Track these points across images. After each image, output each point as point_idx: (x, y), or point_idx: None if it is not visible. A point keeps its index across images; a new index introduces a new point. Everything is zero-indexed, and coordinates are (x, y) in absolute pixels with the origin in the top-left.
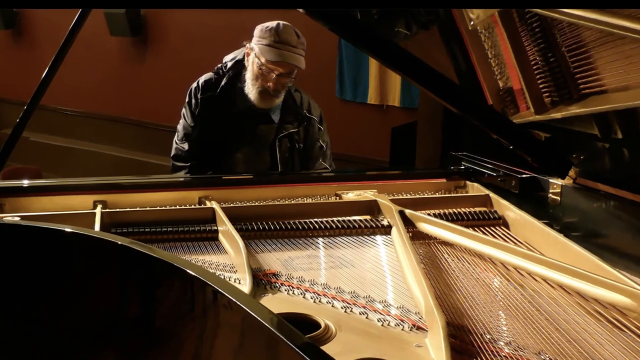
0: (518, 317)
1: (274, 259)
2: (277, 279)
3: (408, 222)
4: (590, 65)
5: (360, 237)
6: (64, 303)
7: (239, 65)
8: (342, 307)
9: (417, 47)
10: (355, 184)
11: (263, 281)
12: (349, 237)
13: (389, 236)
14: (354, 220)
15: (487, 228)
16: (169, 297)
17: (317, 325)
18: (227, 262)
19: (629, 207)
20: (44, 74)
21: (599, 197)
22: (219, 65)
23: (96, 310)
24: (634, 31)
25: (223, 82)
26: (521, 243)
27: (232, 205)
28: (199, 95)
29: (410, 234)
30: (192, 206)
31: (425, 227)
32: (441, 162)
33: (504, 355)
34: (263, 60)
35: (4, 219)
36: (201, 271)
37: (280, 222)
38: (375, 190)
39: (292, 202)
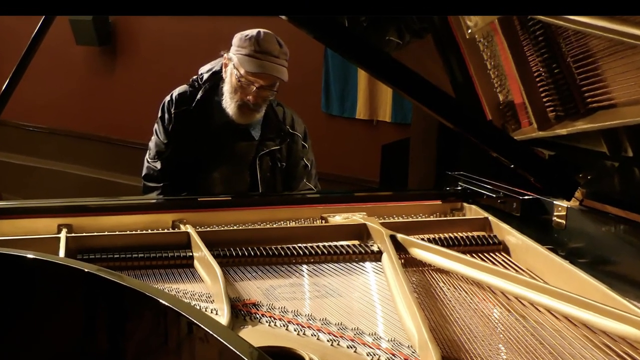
0: (519, 350)
1: (254, 287)
2: (258, 310)
3: (400, 248)
4: (598, 77)
5: (348, 263)
6: (25, 336)
7: (216, 77)
8: (328, 340)
9: (410, 57)
10: (342, 206)
11: (242, 312)
12: (336, 264)
13: (379, 263)
14: (341, 246)
15: (486, 254)
16: (140, 330)
17: (301, 359)
18: (204, 291)
19: None
20: (4, 87)
21: (607, 221)
22: (195, 77)
23: (60, 344)
24: None
25: (199, 96)
26: (523, 270)
27: (208, 229)
28: (172, 110)
29: (403, 260)
30: (165, 230)
31: (418, 253)
32: (436, 182)
33: None
34: (242, 71)
35: None
36: (175, 301)
37: (261, 248)
38: (365, 213)
39: (274, 225)
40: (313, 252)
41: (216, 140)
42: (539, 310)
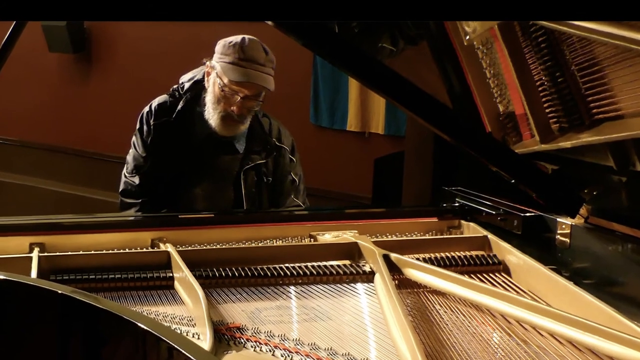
0: None
1: (239, 310)
2: (242, 334)
3: (394, 268)
4: (604, 87)
5: (338, 285)
6: None
7: (198, 86)
8: None
9: (405, 65)
10: (332, 224)
11: (226, 336)
12: (326, 286)
13: (371, 284)
14: (331, 266)
15: (485, 274)
16: (118, 355)
17: None
18: (185, 314)
19: None
20: None
21: (614, 239)
22: (175, 87)
23: None
24: None
25: (180, 106)
26: (524, 292)
27: (190, 248)
28: (151, 121)
29: (396, 281)
30: (144, 249)
31: (413, 273)
32: (432, 198)
33: None
34: (226, 80)
35: None
36: (154, 325)
37: (246, 268)
38: (356, 231)
39: (260, 244)
40: (301, 272)
41: (198, 153)
42: (542, 335)
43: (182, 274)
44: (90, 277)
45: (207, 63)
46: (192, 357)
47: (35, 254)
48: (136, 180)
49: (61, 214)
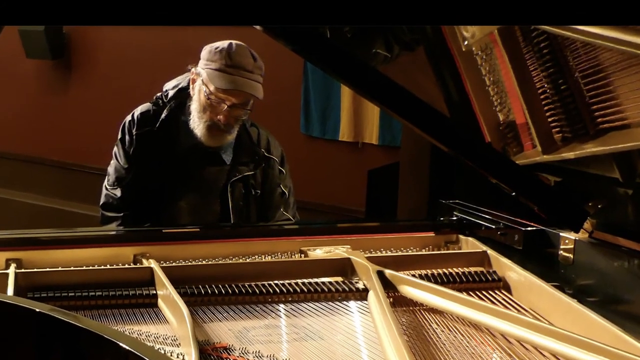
0: None
1: (226, 329)
2: (229, 354)
3: (388, 285)
4: (609, 95)
5: (330, 303)
6: None
7: (183, 94)
8: None
9: (400, 72)
10: (324, 239)
11: (212, 356)
12: (317, 303)
13: (365, 302)
14: (323, 283)
15: (484, 292)
16: None
17: None
18: (169, 333)
19: None
20: None
21: (620, 255)
22: (159, 95)
23: None
24: None
25: (163, 115)
26: (525, 310)
27: (174, 264)
28: (134, 131)
29: (391, 299)
30: (126, 265)
31: (409, 290)
32: (428, 212)
33: None
34: (212, 87)
35: None
36: (137, 345)
37: (233, 285)
38: (349, 246)
39: (248, 260)
40: (291, 289)
41: (183, 164)
42: (543, 355)
43: (166, 291)
44: (70, 294)
45: (193, 70)
46: None
47: (11, 270)
48: (118, 192)
49: (39, 228)
